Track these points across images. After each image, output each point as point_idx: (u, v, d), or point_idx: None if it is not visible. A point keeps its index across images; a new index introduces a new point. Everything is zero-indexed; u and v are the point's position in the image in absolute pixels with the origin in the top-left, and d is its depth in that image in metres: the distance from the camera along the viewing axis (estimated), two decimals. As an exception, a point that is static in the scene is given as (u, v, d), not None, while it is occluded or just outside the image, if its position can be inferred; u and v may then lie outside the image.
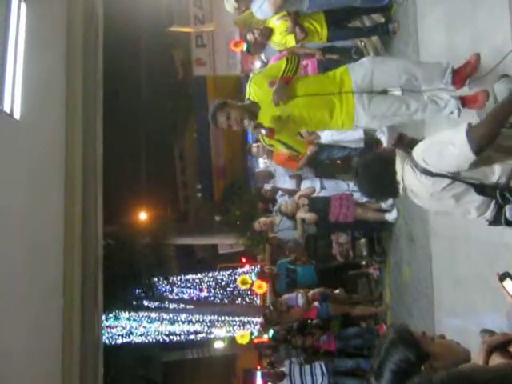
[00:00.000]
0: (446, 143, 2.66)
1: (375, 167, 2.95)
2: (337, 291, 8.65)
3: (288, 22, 6.20)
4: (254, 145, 8.38)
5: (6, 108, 5.79)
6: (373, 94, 4.29)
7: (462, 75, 4.38)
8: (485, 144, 2.57)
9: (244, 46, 6.95)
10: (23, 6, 6.20)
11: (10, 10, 5.90)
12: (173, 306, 15.81)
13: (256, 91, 4.41)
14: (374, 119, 4.38)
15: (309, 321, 9.17)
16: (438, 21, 5.19)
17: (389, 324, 7.93)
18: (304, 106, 4.33)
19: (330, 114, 4.34)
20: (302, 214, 7.44)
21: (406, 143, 3.08)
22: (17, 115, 6.04)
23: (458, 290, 5.10)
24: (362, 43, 7.44)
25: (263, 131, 4.32)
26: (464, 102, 4.33)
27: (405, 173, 2.85)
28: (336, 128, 4.50)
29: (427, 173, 2.73)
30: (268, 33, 6.44)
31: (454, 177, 2.69)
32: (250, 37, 6.51)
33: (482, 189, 2.69)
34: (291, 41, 6.30)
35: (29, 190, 6.39)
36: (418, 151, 2.80)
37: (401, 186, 2.89)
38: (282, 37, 6.32)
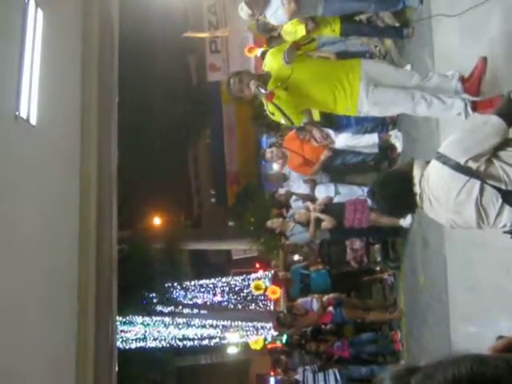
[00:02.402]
0: (479, 124, 2.79)
1: (391, 185, 2.92)
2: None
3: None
4: (268, 150, 8.36)
5: (23, 113, 5.83)
6: (379, 86, 4.47)
7: (471, 81, 4.37)
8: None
9: (258, 52, 6.97)
10: (40, 12, 6.25)
11: (26, 16, 5.96)
12: (186, 310, 15.79)
13: (270, 61, 4.65)
14: (375, 106, 4.52)
15: (322, 326, 9.13)
16: (453, 25, 5.16)
17: (404, 332, 7.87)
18: (310, 77, 4.53)
19: (333, 97, 4.50)
20: (318, 214, 7.36)
21: None
22: (33, 121, 6.08)
23: (473, 296, 5.05)
24: (377, 48, 7.41)
25: (262, 90, 4.43)
26: (476, 106, 4.30)
27: (428, 180, 2.77)
28: (342, 111, 4.69)
29: (458, 168, 2.64)
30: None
31: (482, 179, 2.61)
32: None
33: (507, 194, 2.59)
34: (302, 30, 6.36)
35: (44, 195, 6.43)
36: (449, 144, 2.75)
37: (418, 196, 2.81)
38: (293, 26, 6.39)
